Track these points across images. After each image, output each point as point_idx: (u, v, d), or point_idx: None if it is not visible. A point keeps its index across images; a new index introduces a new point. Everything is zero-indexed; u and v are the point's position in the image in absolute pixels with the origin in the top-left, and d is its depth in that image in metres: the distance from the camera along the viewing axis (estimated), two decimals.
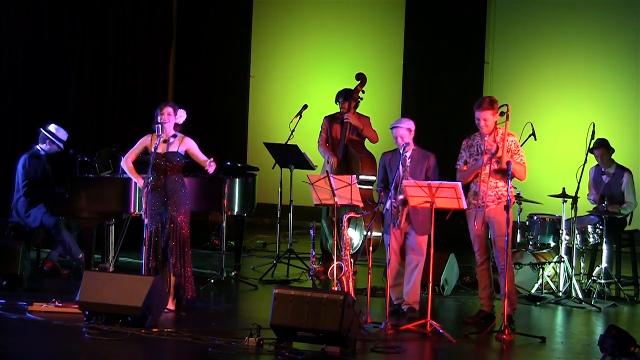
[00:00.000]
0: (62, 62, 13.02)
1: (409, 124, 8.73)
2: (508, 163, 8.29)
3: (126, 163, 8.85)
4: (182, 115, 8.73)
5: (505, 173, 8.41)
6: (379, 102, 13.65)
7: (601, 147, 10.32)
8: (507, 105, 8.38)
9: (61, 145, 10.42)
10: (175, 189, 8.67)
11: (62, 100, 12.90)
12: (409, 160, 8.75)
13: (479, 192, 8.47)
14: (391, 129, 8.75)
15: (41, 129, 10.40)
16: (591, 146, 10.07)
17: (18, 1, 12.63)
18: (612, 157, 10.44)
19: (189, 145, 8.73)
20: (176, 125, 8.72)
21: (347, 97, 10.60)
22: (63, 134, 10.46)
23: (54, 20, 12.95)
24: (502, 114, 8.46)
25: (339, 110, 10.68)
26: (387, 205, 8.75)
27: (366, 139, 10.66)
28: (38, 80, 12.80)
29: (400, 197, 8.55)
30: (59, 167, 10.53)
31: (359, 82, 10.73)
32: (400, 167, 8.63)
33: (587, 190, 10.52)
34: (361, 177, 10.43)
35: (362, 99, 10.76)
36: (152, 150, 8.64)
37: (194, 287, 8.79)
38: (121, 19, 13.74)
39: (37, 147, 10.39)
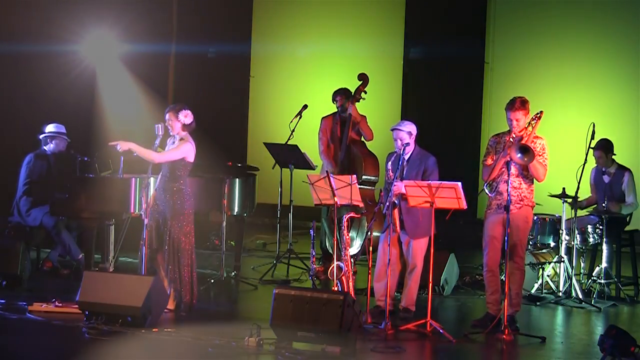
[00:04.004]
0: (62, 62, 13.02)
1: (410, 127, 8.63)
2: (524, 147, 8.18)
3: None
4: (187, 116, 8.67)
5: (529, 175, 8.40)
6: (379, 102, 13.66)
7: (600, 150, 10.30)
8: (542, 111, 8.36)
9: (66, 137, 10.45)
10: (174, 191, 8.64)
11: (62, 100, 12.90)
12: (406, 162, 8.68)
13: (502, 191, 8.34)
14: (392, 130, 8.69)
15: (40, 136, 10.43)
16: (592, 145, 10.07)
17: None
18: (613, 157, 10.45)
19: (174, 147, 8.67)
20: (184, 126, 8.67)
21: (348, 97, 10.62)
22: (62, 128, 10.50)
23: (54, 17, 12.96)
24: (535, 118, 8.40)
25: (336, 110, 10.71)
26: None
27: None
28: (38, 79, 12.80)
29: (389, 201, 8.44)
30: (61, 169, 10.53)
31: (361, 82, 10.73)
32: (391, 170, 8.59)
33: (590, 192, 10.51)
34: (364, 177, 10.46)
35: (364, 99, 10.76)
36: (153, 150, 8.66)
37: (196, 291, 8.75)
38: (122, 18, 13.73)
39: (44, 147, 10.44)
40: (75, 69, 12.85)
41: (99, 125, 12.80)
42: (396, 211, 8.51)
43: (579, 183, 9.93)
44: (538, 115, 8.36)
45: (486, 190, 8.48)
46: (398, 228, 8.56)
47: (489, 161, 8.46)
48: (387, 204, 8.45)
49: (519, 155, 8.17)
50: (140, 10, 13.91)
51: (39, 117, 10.91)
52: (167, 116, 8.64)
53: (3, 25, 12.33)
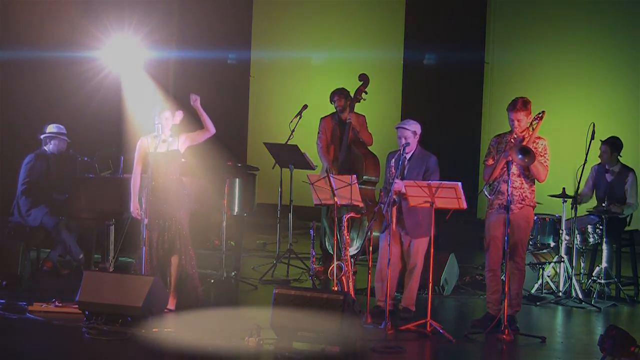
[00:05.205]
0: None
1: (415, 127, 8.64)
2: (524, 148, 8.18)
3: (134, 185, 8.81)
4: (179, 116, 8.77)
5: (530, 175, 8.38)
6: (379, 102, 13.65)
7: (607, 145, 10.31)
8: (544, 111, 8.36)
9: (66, 137, 10.45)
10: (177, 188, 8.68)
11: (62, 100, 12.90)
12: (407, 162, 8.69)
13: (503, 191, 8.32)
14: (396, 128, 8.69)
15: (41, 136, 10.44)
16: (592, 145, 10.06)
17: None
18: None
19: (183, 136, 8.75)
20: (172, 126, 8.77)
21: (346, 97, 10.62)
22: (62, 128, 10.51)
23: (56, 19, 12.97)
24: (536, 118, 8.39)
25: (335, 111, 10.71)
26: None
27: None
28: (38, 79, 12.80)
29: (389, 199, 8.43)
30: (60, 170, 10.52)
31: (362, 82, 10.73)
32: (393, 168, 8.59)
33: (584, 187, 10.47)
34: (365, 177, 10.46)
35: (364, 99, 10.76)
36: (151, 151, 8.66)
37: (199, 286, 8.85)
38: (122, 19, 13.74)
39: (44, 148, 10.44)
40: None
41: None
42: (394, 208, 8.50)
43: (579, 183, 9.94)
44: (540, 116, 8.35)
45: (485, 192, 8.48)
46: (394, 225, 8.53)
47: (490, 162, 8.46)
48: (388, 201, 8.44)
49: (520, 156, 8.18)
50: (141, 15, 13.92)
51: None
52: (166, 114, 8.70)
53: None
